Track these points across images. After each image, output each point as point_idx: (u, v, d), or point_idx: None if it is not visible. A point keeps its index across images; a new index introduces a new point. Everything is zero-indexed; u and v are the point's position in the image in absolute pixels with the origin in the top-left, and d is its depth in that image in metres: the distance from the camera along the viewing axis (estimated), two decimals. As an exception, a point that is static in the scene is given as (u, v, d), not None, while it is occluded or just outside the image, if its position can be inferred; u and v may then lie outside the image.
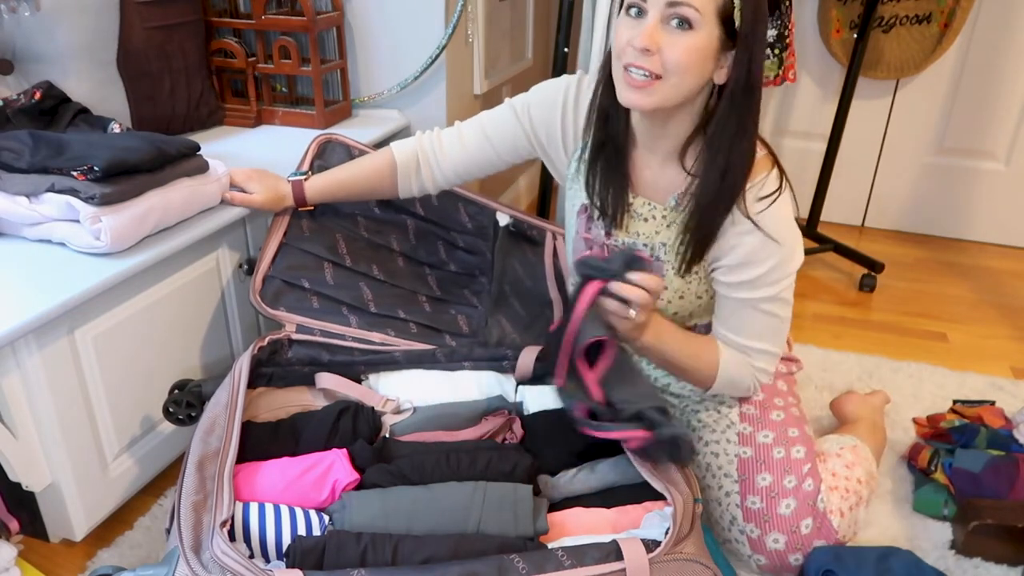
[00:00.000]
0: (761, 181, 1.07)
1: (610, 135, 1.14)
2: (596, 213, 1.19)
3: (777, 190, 1.07)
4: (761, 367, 1.17)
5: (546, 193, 2.11)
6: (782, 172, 1.09)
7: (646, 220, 1.17)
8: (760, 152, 1.09)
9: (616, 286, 1.00)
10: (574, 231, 1.26)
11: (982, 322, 2.05)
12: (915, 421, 1.55)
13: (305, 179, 1.33)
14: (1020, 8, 2.25)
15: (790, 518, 1.13)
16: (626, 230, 1.18)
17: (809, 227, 2.36)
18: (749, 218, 1.07)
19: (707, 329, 1.21)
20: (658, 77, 0.99)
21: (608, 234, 1.19)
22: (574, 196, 1.24)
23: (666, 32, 0.97)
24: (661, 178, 1.14)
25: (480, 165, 1.30)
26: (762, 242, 1.08)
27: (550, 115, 1.22)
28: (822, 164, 2.26)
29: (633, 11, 1.00)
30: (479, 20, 1.98)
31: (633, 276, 1.00)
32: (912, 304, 2.14)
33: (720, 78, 1.02)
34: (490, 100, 2.22)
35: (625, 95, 1.02)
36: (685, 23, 0.96)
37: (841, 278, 2.28)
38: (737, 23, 0.98)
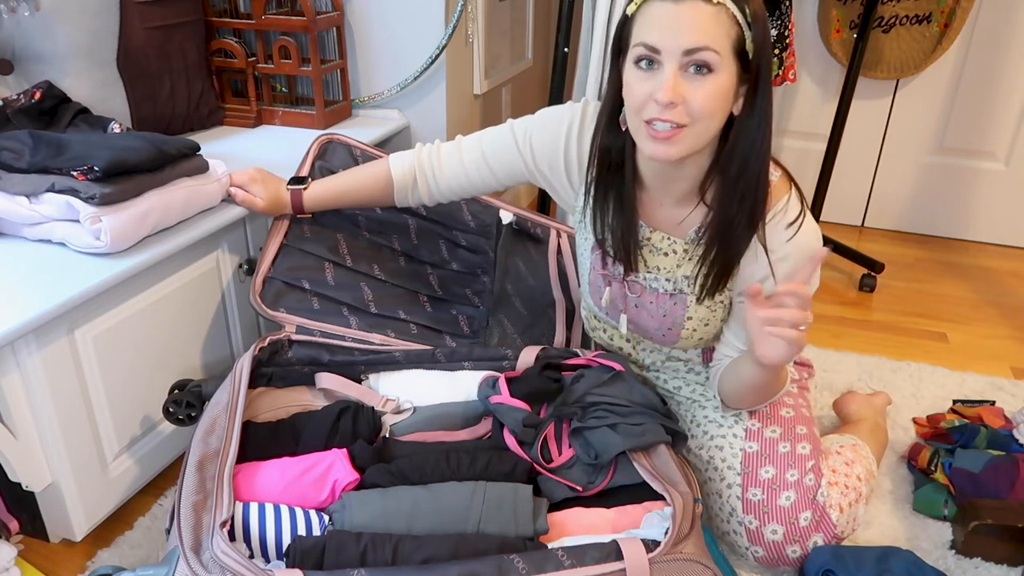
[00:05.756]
0: (783, 207, 1.06)
1: (614, 182, 1.12)
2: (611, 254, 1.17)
3: (801, 212, 1.06)
4: (789, 374, 1.21)
5: (546, 193, 2.11)
6: (800, 192, 1.08)
7: (666, 255, 1.15)
8: (775, 174, 1.08)
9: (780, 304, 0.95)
10: (588, 266, 1.23)
11: (982, 322, 2.05)
12: (915, 421, 1.55)
13: (304, 188, 1.32)
14: (1020, 8, 2.25)
15: (789, 510, 1.13)
16: (645, 265, 1.17)
17: (809, 227, 2.36)
18: (763, 246, 1.06)
19: None
20: (683, 126, 0.96)
21: (626, 274, 1.18)
22: (585, 230, 1.21)
23: (686, 80, 0.94)
24: (677, 214, 1.13)
25: (479, 187, 1.28)
26: (793, 268, 1.07)
27: (553, 147, 1.19)
28: (822, 164, 2.26)
29: (644, 63, 0.96)
30: (479, 20, 1.98)
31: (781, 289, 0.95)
32: (912, 304, 2.14)
33: (737, 109, 1.00)
34: (490, 100, 2.22)
35: (650, 148, 0.99)
36: (705, 68, 0.94)
37: (841, 278, 2.28)
38: (750, 53, 0.96)
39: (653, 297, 1.18)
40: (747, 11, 0.94)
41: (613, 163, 1.11)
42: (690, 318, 1.17)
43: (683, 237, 1.14)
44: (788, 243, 1.06)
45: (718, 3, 0.92)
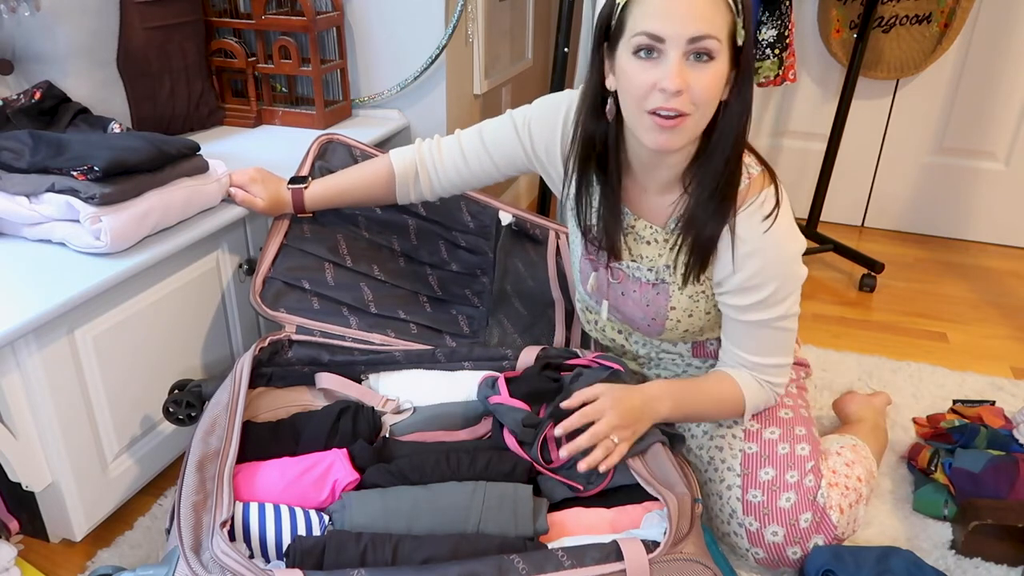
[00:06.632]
0: (760, 200, 1.07)
1: (599, 170, 1.12)
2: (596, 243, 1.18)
3: (776, 206, 1.07)
4: (778, 381, 1.19)
5: (546, 192, 2.11)
6: (777, 187, 1.08)
7: (649, 243, 1.16)
8: (757, 168, 1.08)
9: (580, 441, 1.04)
10: (579, 252, 1.24)
11: (982, 322, 2.05)
12: (915, 421, 1.55)
13: (304, 187, 1.32)
14: (1020, 8, 2.25)
15: (790, 511, 1.13)
16: (629, 253, 1.18)
17: (809, 227, 2.36)
18: (732, 232, 1.07)
19: (719, 343, 1.22)
20: (686, 114, 0.97)
21: (609, 262, 1.19)
22: (574, 217, 1.22)
23: (689, 68, 0.95)
24: (660, 202, 1.14)
25: (479, 177, 1.28)
26: (768, 262, 1.08)
27: (550, 133, 1.20)
28: (822, 164, 2.26)
29: (644, 53, 0.96)
30: (479, 20, 1.98)
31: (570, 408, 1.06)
32: (912, 304, 2.14)
33: (724, 95, 1.01)
34: (490, 100, 2.22)
35: (655, 139, 0.99)
36: (706, 55, 0.95)
37: (841, 278, 2.28)
38: (740, 40, 0.97)
39: (636, 286, 1.19)
40: None
41: (597, 151, 1.11)
42: (673, 308, 1.17)
43: (663, 226, 1.15)
44: (764, 236, 1.06)
45: None
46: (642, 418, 1.08)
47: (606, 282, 1.22)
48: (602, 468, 1.03)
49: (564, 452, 1.04)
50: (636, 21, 0.96)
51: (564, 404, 1.07)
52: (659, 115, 0.97)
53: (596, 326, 1.34)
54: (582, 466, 1.02)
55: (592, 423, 1.04)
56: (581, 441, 1.04)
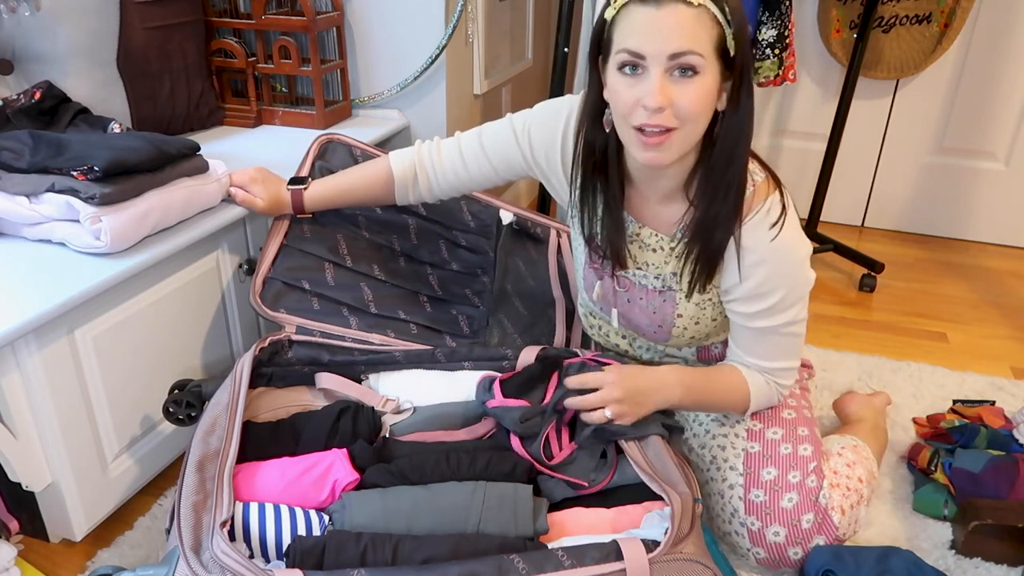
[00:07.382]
0: (766, 207, 1.06)
1: (601, 179, 1.12)
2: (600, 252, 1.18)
3: (782, 213, 1.06)
4: (784, 383, 1.19)
5: (547, 192, 2.11)
6: (782, 193, 1.08)
7: (654, 251, 1.16)
8: (761, 175, 1.08)
9: (573, 401, 1.09)
10: (583, 260, 1.24)
11: (982, 322, 2.05)
12: (915, 421, 1.55)
13: (304, 188, 1.32)
14: (1020, 8, 2.25)
15: (791, 511, 1.13)
16: (634, 261, 1.17)
17: (809, 227, 2.36)
18: (737, 244, 1.06)
19: (725, 345, 1.22)
20: (672, 129, 0.97)
21: (614, 269, 1.18)
22: (576, 225, 1.22)
23: (672, 83, 0.94)
24: (664, 212, 1.14)
25: (478, 181, 1.28)
26: (776, 270, 1.07)
27: (551, 140, 1.19)
28: (822, 164, 2.26)
29: (628, 69, 0.96)
30: (479, 20, 1.98)
31: (571, 385, 1.10)
32: (912, 304, 2.14)
33: (721, 105, 1.00)
34: (490, 100, 2.22)
35: (642, 155, 0.99)
36: (690, 70, 0.94)
37: (841, 278, 2.28)
38: (732, 51, 0.96)
39: (643, 293, 1.18)
40: (726, 9, 0.94)
41: (598, 160, 1.11)
42: (680, 315, 1.17)
43: (669, 234, 1.14)
44: (771, 244, 1.06)
45: (699, 5, 0.92)
46: (646, 401, 1.09)
47: (612, 290, 1.21)
48: (589, 418, 1.08)
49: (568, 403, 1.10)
50: (620, 37, 0.96)
51: (569, 381, 1.11)
52: (644, 131, 0.97)
53: (600, 332, 1.34)
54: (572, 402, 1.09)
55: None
56: (573, 402, 1.08)
